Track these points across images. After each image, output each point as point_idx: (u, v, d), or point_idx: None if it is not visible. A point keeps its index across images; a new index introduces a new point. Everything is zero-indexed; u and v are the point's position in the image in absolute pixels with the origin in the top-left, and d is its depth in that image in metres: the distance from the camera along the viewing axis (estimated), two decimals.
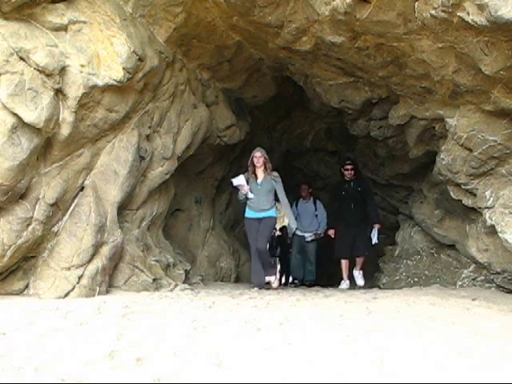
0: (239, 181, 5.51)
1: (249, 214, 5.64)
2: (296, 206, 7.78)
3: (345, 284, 6.28)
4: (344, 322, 2.65)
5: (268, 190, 5.55)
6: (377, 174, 7.71)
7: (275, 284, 5.73)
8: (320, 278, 8.14)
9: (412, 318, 2.70)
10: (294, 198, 7.69)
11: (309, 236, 7.54)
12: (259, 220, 5.53)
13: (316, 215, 7.68)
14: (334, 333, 2.30)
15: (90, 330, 2.34)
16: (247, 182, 5.53)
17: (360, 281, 6.41)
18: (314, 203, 7.73)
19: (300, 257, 7.75)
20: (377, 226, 6.30)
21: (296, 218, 7.48)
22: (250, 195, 5.53)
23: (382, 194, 8.21)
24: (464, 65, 3.81)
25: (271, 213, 5.60)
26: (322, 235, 7.43)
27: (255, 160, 5.52)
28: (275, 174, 5.60)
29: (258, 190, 5.54)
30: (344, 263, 6.42)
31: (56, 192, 3.68)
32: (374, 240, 6.26)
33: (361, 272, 6.46)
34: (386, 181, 7.56)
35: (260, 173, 5.59)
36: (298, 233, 7.72)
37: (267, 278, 5.61)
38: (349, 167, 6.45)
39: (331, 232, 6.60)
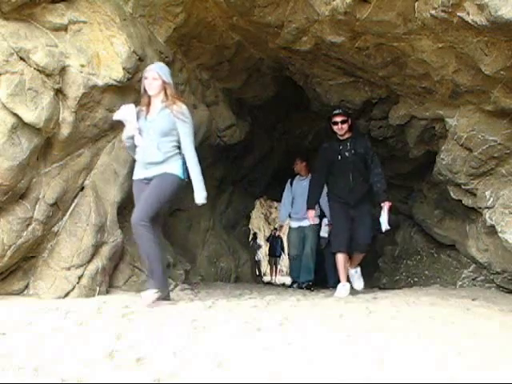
0: (125, 113, 3.54)
1: (136, 172, 3.65)
2: (291, 185, 6.62)
3: (344, 289, 4.51)
4: (344, 322, 2.65)
5: (162, 132, 3.49)
6: None
7: (150, 300, 3.30)
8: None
9: (412, 317, 2.70)
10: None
11: (308, 225, 6.07)
12: (148, 182, 3.54)
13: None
14: (334, 333, 2.30)
15: (90, 330, 2.34)
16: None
17: (358, 282, 4.85)
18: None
19: (301, 255, 6.46)
20: (387, 205, 4.50)
21: (292, 203, 6.47)
22: (138, 139, 3.53)
23: None
24: (464, 65, 3.81)
25: (167, 168, 3.51)
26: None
27: (146, 84, 3.54)
28: (183, 107, 3.53)
29: (148, 130, 3.52)
30: (341, 259, 4.59)
31: (56, 192, 3.68)
32: (385, 225, 4.50)
33: (358, 270, 4.85)
34: (386, 181, 7.55)
35: (156, 104, 3.58)
36: (293, 224, 6.55)
37: (145, 294, 3.36)
38: (338, 119, 4.53)
39: (310, 214, 4.87)
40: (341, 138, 4.62)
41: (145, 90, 3.55)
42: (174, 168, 3.52)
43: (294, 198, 6.44)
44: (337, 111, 4.62)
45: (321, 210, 6.10)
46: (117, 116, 3.58)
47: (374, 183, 4.53)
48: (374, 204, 4.81)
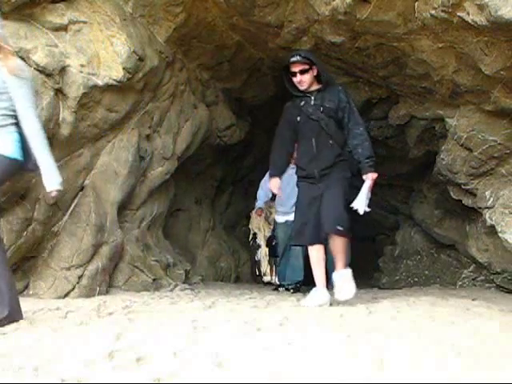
0: None
1: None
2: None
3: (317, 296, 3.38)
4: (344, 322, 2.65)
5: None
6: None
7: None
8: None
9: (412, 317, 2.70)
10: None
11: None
12: None
13: None
14: (334, 333, 2.30)
15: (90, 330, 2.34)
16: None
17: (344, 289, 3.32)
18: None
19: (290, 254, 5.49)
20: (370, 179, 3.35)
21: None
22: None
23: (382, 194, 8.21)
24: (464, 65, 3.81)
25: None
26: None
27: None
28: (18, 62, 2.70)
29: None
30: (313, 254, 3.49)
31: None
32: (361, 207, 3.32)
33: (345, 272, 3.37)
34: (386, 181, 7.56)
35: None
36: (279, 218, 5.60)
37: None
38: (296, 69, 3.39)
39: (272, 184, 3.66)
40: (303, 90, 3.49)
41: None
42: (2, 144, 2.60)
43: (283, 190, 5.38)
44: (294, 58, 3.39)
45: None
46: None
47: (354, 148, 3.37)
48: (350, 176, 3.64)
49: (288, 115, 3.62)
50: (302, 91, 3.50)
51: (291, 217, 4.82)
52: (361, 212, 3.35)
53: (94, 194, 4.02)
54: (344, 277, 3.36)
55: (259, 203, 5.62)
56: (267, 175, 5.11)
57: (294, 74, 3.44)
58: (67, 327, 2.40)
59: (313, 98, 3.47)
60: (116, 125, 4.17)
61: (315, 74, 3.47)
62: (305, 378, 1.51)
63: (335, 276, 3.39)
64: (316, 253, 3.49)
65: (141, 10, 4.12)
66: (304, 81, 3.44)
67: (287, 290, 5.44)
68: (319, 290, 3.44)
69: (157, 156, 4.85)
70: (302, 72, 3.42)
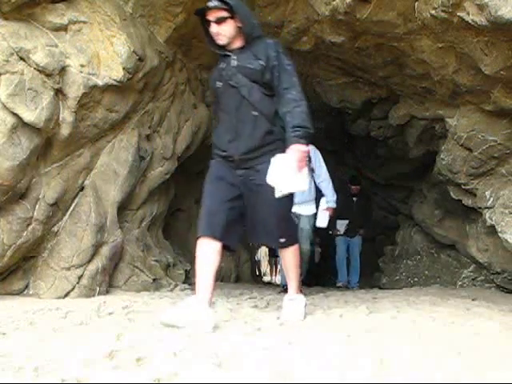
0: None
1: None
2: None
3: (187, 314, 2.37)
4: (344, 322, 2.65)
5: None
6: (377, 174, 7.71)
7: None
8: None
9: (412, 317, 2.70)
10: None
11: (305, 211, 4.95)
12: None
13: (312, 176, 4.82)
14: (334, 333, 2.30)
15: (90, 330, 2.34)
16: None
17: (291, 318, 2.63)
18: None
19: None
20: (294, 150, 2.44)
21: None
22: None
23: (382, 194, 8.21)
24: (464, 65, 3.81)
25: None
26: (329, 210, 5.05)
27: None
28: None
29: None
30: (200, 250, 2.61)
31: (56, 192, 3.68)
32: (284, 186, 2.42)
33: (296, 299, 2.75)
34: (386, 181, 7.57)
35: None
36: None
37: None
38: (212, 18, 2.61)
39: None
40: (226, 48, 2.69)
41: None
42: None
43: None
44: (210, 3, 2.59)
45: (317, 190, 5.08)
46: None
47: (283, 117, 2.53)
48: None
49: (211, 82, 2.87)
50: (224, 48, 2.70)
51: (298, 209, 4.78)
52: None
53: (94, 194, 4.02)
54: (293, 304, 2.71)
55: None
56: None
57: (210, 24, 2.64)
58: (67, 327, 2.40)
59: (235, 57, 2.64)
60: (116, 125, 4.17)
61: (240, 25, 2.62)
62: (305, 378, 1.51)
63: (285, 299, 2.82)
64: (205, 248, 2.59)
65: (141, 10, 4.12)
66: (222, 33, 2.63)
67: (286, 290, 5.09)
68: (194, 304, 2.42)
69: (157, 156, 4.85)
70: (219, 21, 2.60)
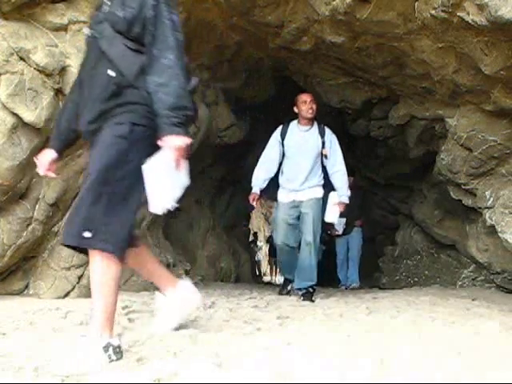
0: None
1: None
2: (282, 137, 4.28)
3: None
4: (344, 322, 2.65)
5: None
6: (377, 174, 7.71)
7: None
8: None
9: (412, 317, 2.70)
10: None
11: (309, 194, 4.20)
12: None
13: (322, 159, 4.22)
14: (334, 333, 2.30)
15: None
16: None
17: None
18: (322, 134, 4.23)
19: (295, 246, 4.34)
20: (169, 147, 1.84)
21: (282, 164, 4.31)
22: None
23: (382, 194, 8.21)
24: (464, 65, 3.81)
25: None
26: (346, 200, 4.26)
27: None
28: None
29: None
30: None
31: (56, 192, 3.68)
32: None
33: (90, 341, 1.77)
34: (386, 181, 7.56)
35: None
36: (283, 197, 4.28)
37: None
38: None
39: None
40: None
41: None
42: None
43: (285, 157, 4.28)
44: None
45: (325, 177, 4.30)
46: None
47: (153, 91, 1.89)
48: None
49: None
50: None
51: (300, 195, 4.17)
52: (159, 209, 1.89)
53: None
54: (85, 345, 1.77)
55: (255, 186, 4.36)
56: (274, 144, 4.36)
57: None
58: (67, 327, 2.40)
59: (108, 2, 2.05)
60: None
61: None
62: (305, 378, 1.51)
63: (79, 338, 1.95)
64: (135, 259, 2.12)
65: None
66: None
67: (298, 289, 4.35)
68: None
69: None
70: None
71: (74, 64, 3.57)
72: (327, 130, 4.30)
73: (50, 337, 2.16)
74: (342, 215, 6.45)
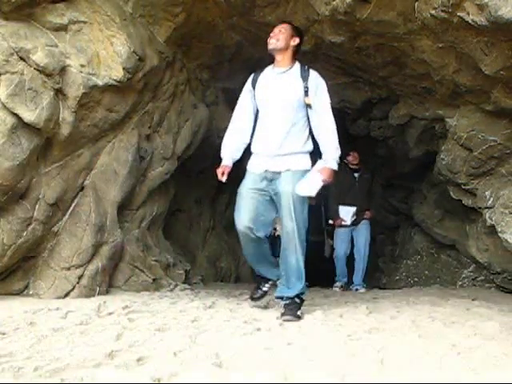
0: None
1: None
2: (254, 86, 3.20)
3: None
4: (344, 322, 2.65)
5: None
6: (377, 174, 7.71)
7: None
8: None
9: (412, 317, 2.70)
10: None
11: (288, 164, 3.05)
12: None
13: (309, 114, 3.07)
14: (334, 333, 2.30)
15: (90, 330, 2.34)
16: None
17: None
18: (304, 77, 3.05)
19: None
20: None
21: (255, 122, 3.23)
22: None
23: (382, 194, 8.21)
24: (464, 65, 3.81)
25: None
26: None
27: None
28: None
29: None
30: None
31: (56, 192, 3.68)
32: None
33: None
34: (386, 181, 7.56)
35: None
36: (254, 167, 3.23)
37: None
38: None
39: None
40: None
41: None
42: None
43: (259, 116, 3.22)
44: None
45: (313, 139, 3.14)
46: None
47: None
48: None
49: None
50: None
51: (275, 165, 3.08)
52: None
53: (94, 193, 4.02)
54: None
55: (224, 157, 3.46)
56: (246, 95, 3.30)
57: None
58: (67, 327, 2.40)
59: None
60: (116, 125, 4.17)
61: None
62: (305, 378, 1.51)
63: None
64: None
65: (141, 10, 4.12)
66: None
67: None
68: None
69: (157, 156, 4.85)
70: None
71: (73, 64, 3.57)
72: (312, 73, 3.10)
73: (50, 337, 2.16)
74: (348, 203, 5.60)
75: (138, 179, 4.65)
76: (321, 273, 6.06)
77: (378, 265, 7.83)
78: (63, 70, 3.50)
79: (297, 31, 3.20)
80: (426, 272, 6.36)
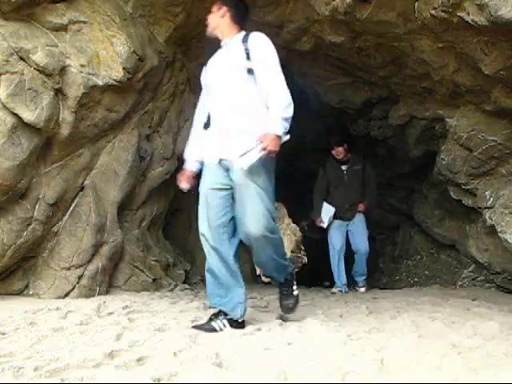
0: None
1: None
2: (204, 74, 2.97)
3: None
4: (344, 322, 2.65)
5: None
6: (377, 174, 7.71)
7: None
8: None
9: (412, 318, 2.70)
10: None
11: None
12: None
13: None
14: (334, 333, 2.30)
15: (90, 330, 2.34)
16: None
17: None
18: (245, 41, 2.75)
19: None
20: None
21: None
22: None
23: (382, 194, 8.21)
24: (464, 65, 3.81)
25: None
26: None
27: None
28: None
29: None
30: None
31: (56, 192, 3.68)
32: None
33: None
34: (386, 181, 7.56)
35: None
36: (207, 155, 2.86)
37: None
38: None
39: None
40: None
41: None
42: None
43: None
44: None
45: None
46: None
47: None
48: None
49: None
50: None
51: (230, 150, 2.57)
52: None
53: (94, 193, 4.02)
54: None
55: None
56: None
57: None
58: (67, 327, 2.40)
59: None
60: (116, 125, 4.17)
61: None
62: (305, 378, 1.51)
63: None
64: None
65: (141, 9, 4.12)
66: None
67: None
68: None
69: (157, 156, 4.85)
70: None
71: (74, 64, 3.57)
72: (254, 34, 2.71)
73: (50, 337, 2.16)
74: (340, 199, 5.23)
75: (138, 179, 4.65)
76: (321, 273, 6.11)
77: (378, 265, 7.83)
78: (63, 69, 3.50)
79: (223, 1, 2.82)
80: (426, 272, 6.36)
